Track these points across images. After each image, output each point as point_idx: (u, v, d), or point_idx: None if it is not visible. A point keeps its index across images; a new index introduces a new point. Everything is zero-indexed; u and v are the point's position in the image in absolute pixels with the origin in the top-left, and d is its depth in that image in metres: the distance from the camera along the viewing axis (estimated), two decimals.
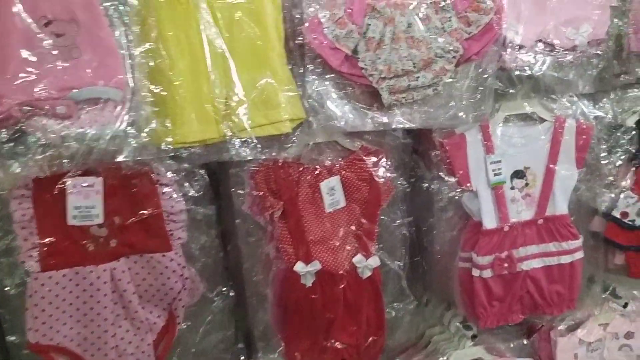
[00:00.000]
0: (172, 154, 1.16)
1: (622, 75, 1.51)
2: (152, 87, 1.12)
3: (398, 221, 1.46)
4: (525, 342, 1.71)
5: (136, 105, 1.11)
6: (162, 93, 1.13)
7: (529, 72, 1.35)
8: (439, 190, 1.46)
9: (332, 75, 1.25)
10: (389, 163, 1.39)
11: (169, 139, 1.12)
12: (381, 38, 1.22)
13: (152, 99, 1.12)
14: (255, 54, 1.19)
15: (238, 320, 1.45)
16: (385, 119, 1.28)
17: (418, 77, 1.25)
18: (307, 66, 1.23)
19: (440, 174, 1.45)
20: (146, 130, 1.11)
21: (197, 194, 1.27)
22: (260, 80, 1.19)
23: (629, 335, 1.76)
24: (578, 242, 1.52)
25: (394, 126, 1.29)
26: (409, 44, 1.24)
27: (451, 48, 1.26)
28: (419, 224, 1.54)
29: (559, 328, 1.72)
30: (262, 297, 1.39)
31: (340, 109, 1.26)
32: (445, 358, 1.58)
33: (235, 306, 1.43)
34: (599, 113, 1.54)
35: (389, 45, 1.22)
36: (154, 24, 1.12)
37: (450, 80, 1.29)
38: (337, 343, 1.39)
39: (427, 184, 1.47)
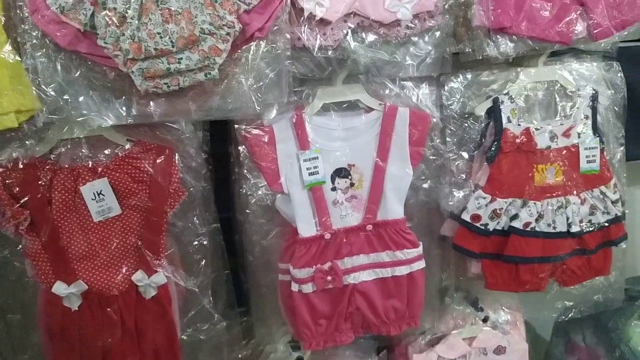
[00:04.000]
0: None
1: (466, 55, 1.28)
2: None
3: (201, 230, 1.24)
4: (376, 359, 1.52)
5: None
6: None
7: (332, 55, 1.12)
8: (249, 192, 1.24)
9: (71, 55, 1.01)
10: (176, 161, 1.17)
11: None
12: (126, 10, 0.98)
13: None
14: None
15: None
16: (145, 110, 1.05)
17: (181, 58, 1.01)
18: (33, 42, 0.98)
19: (246, 173, 1.23)
20: None
21: None
22: None
23: (499, 350, 1.57)
24: (417, 251, 1.30)
25: (156, 119, 1.06)
26: (165, 17, 1.00)
27: (224, 23, 1.02)
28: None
29: (416, 343, 1.53)
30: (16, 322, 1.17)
31: (84, 98, 1.03)
32: None
33: None
34: (444, 100, 1.32)
35: (135, 19, 0.99)
36: None
37: (230, 62, 1.06)
38: None
39: (238, 185, 1.26)
